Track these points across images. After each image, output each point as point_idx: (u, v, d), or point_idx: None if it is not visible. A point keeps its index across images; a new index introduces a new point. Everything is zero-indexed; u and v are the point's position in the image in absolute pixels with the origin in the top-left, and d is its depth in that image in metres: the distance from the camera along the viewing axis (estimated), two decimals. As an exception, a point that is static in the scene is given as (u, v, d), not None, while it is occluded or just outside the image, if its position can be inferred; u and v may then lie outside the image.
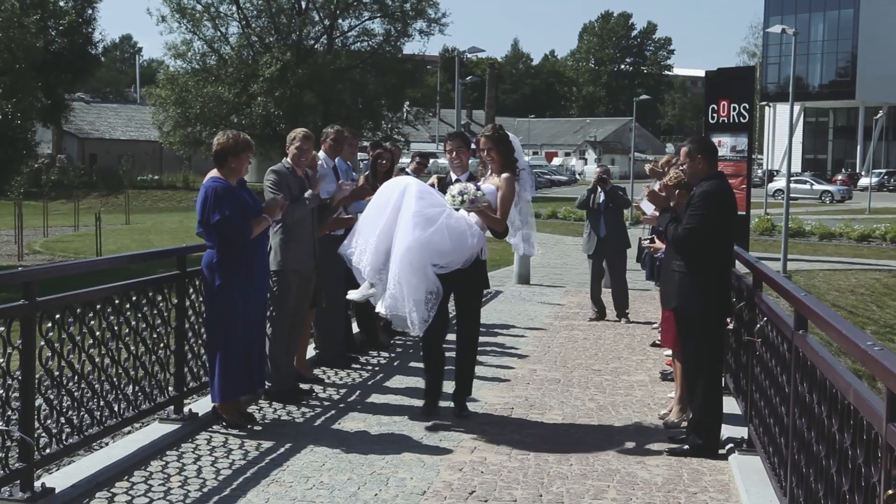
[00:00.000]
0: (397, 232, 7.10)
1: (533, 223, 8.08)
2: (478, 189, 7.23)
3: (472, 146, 7.92)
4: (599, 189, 13.20)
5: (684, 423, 7.43)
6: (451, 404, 7.89)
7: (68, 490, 5.79)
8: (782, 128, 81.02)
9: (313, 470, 6.44)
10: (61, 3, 62.23)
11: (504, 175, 7.51)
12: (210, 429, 7.32)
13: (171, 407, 7.39)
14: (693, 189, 7.01)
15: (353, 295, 7.66)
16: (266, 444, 6.98)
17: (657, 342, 10.94)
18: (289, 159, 8.35)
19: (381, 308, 7.25)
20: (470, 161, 8.03)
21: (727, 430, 7.15)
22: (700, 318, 6.87)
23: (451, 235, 7.13)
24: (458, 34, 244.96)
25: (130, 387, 6.84)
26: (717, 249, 6.88)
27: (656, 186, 7.96)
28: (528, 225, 7.99)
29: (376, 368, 9.74)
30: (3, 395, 5.42)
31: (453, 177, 7.78)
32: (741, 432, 7.06)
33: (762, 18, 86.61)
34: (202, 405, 7.69)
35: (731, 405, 7.59)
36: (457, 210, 7.21)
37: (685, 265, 6.85)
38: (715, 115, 19.70)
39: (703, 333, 6.90)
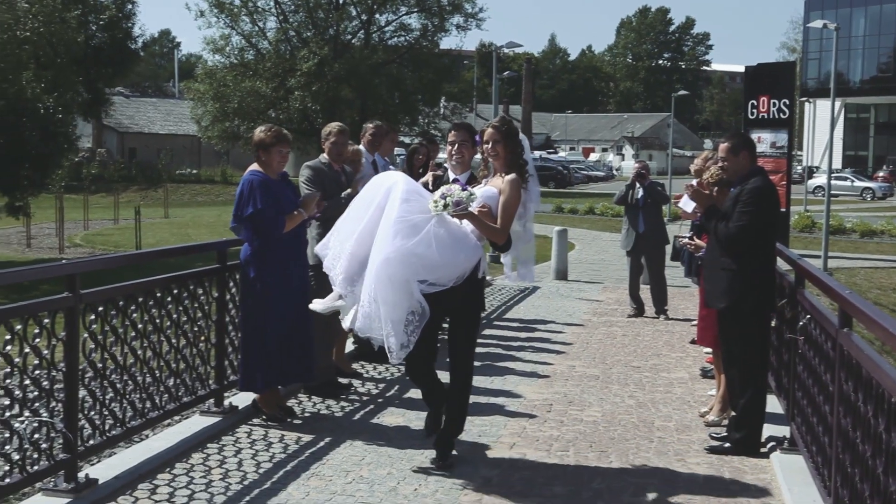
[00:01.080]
0: (376, 239, 5.98)
1: (533, 243, 6.90)
2: (464, 189, 6.04)
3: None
4: (638, 185, 13.13)
5: (725, 421, 7.37)
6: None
7: (111, 481, 5.85)
8: (822, 124, 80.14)
9: (353, 464, 6.46)
10: (102, -1, 62.77)
11: (509, 176, 6.29)
12: (250, 422, 7.37)
13: (212, 400, 7.44)
14: (733, 185, 6.94)
15: (315, 306, 6.71)
16: (306, 438, 7.01)
17: (696, 339, 10.86)
18: (326, 154, 8.39)
19: (347, 324, 6.31)
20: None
21: (768, 429, 7.08)
22: (750, 316, 6.80)
23: (439, 247, 5.92)
24: (494, 29, 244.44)
25: (172, 379, 6.90)
26: (764, 246, 6.81)
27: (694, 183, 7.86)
28: (527, 244, 6.78)
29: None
30: (48, 386, 5.48)
31: (451, 176, 6.59)
32: (783, 431, 7.00)
33: (802, 13, 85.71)
34: (242, 398, 7.73)
35: (772, 403, 7.51)
36: (439, 216, 5.99)
37: (734, 262, 6.75)
38: (755, 110, 19.49)
39: (753, 331, 6.84)
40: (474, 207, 6.07)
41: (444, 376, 6.50)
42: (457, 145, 6.58)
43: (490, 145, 6.37)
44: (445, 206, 5.90)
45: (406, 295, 5.90)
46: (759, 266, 6.77)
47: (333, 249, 6.27)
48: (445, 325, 6.67)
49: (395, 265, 5.86)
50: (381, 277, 5.87)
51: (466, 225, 6.16)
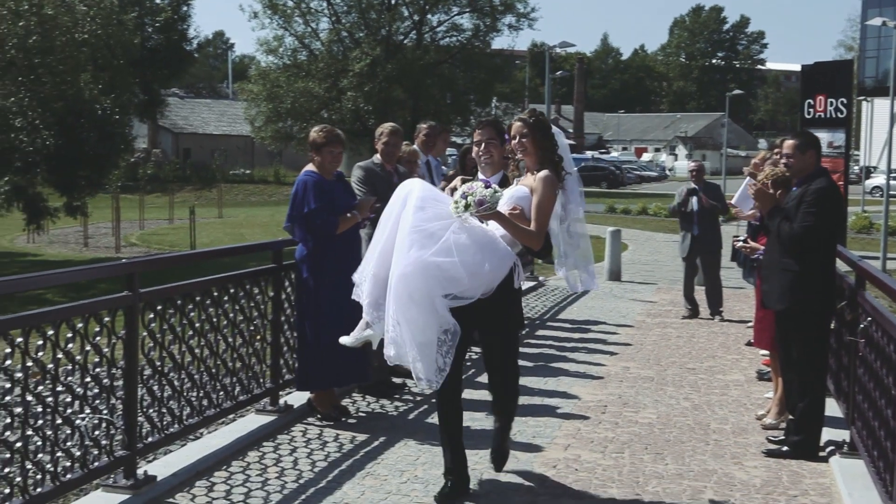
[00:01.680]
0: (394, 254, 5.40)
1: (589, 248, 6.15)
2: (488, 187, 5.42)
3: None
4: (692, 198, 12.93)
5: (782, 425, 7.28)
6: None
7: (169, 478, 5.92)
8: (880, 123, 78.81)
9: (408, 464, 6.47)
10: (157, 1, 63.53)
11: (541, 173, 5.65)
12: (305, 421, 7.41)
13: (267, 398, 7.49)
14: (794, 185, 6.83)
15: (345, 340, 6.05)
16: (360, 437, 7.04)
17: (752, 341, 10.75)
18: (378, 155, 8.41)
19: (389, 352, 5.50)
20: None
21: (827, 433, 6.98)
22: (810, 318, 6.70)
23: (462, 255, 5.29)
24: (546, 29, 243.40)
25: (228, 378, 6.96)
26: (826, 248, 6.71)
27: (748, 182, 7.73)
28: (581, 251, 6.06)
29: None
30: (108, 383, 5.56)
31: (481, 178, 5.87)
32: (842, 435, 6.90)
33: (860, 11, 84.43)
34: (297, 397, 7.79)
35: (830, 407, 7.40)
36: (461, 218, 5.39)
37: (796, 263, 6.64)
38: (811, 110, 19.26)
39: (813, 333, 6.74)
40: (502, 207, 5.52)
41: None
42: (484, 144, 5.95)
43: (518, 140, 5.79)
44: (467, 207, 5.33)
45: (431, 313, 5.30)
46: (820, 267, 6.66)
47: (361, 272, 5.74)
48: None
49: (414, 280, 5.26)
50: (400, 296, 5.29)
51: (497, 229, 5.58)
